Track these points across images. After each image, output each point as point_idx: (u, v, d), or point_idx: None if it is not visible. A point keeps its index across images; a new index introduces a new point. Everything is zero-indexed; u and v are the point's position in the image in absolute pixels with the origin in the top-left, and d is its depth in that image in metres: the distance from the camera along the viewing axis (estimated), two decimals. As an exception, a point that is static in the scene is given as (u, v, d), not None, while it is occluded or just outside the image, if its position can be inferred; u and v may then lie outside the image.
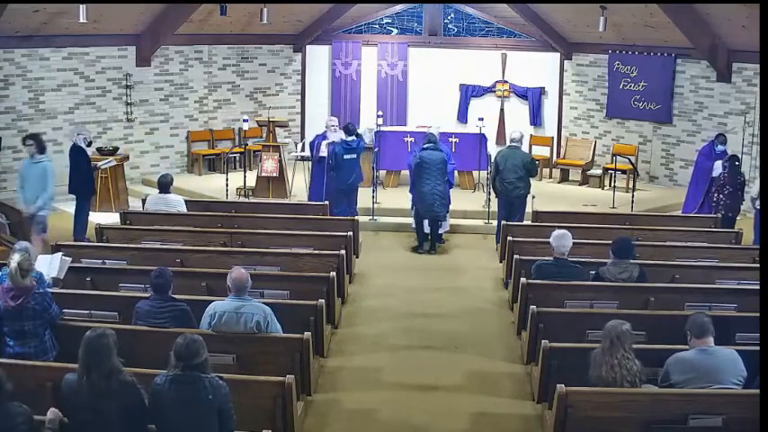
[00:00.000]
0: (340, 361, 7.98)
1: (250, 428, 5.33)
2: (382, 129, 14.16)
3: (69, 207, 11.78)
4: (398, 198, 13.23)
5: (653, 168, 15.41)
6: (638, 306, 7.51)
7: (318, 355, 7.50)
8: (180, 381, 4.88)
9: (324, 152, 12.20)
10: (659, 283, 7.95)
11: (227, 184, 13.07)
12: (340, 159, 11.83)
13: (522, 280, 7.95)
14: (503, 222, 10.59)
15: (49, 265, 7.26)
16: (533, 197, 11.51)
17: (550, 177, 15.77)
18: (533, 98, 16.30)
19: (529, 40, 16.38)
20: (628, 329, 5.66)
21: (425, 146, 11.45)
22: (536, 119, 16.35)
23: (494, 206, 12.05)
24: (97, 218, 11.46)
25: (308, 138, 14.28)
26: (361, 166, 12.39)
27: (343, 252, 8.98)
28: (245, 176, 13.68)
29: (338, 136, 12.13)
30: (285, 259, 8.77)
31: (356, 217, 11.12)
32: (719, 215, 11.18)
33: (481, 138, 13.83)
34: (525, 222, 11.17)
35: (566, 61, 16.21)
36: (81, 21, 12.70)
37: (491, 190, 11.89)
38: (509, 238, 9.72)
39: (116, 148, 14.01)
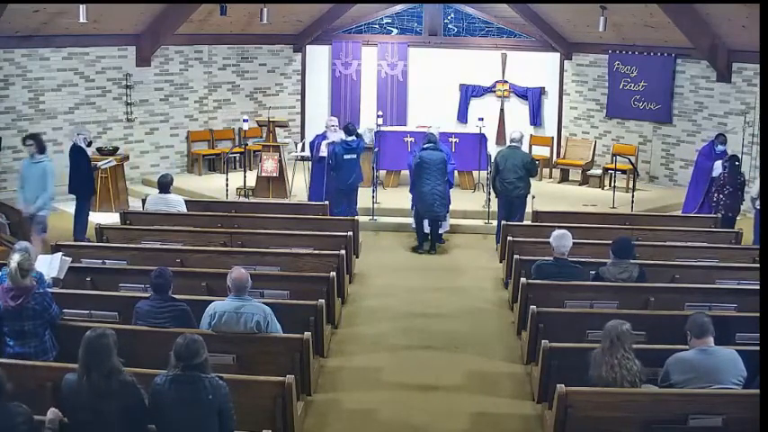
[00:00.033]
0: (340, 361, 7.98)
1: (250, 428, 5.33)
2: (382, 129, 14.16)
3: (69, 207, 11.78)
4: (398, 198, 13.23)
5: (653, 168, 15.41)
6: (638, 306, 7.51)
7: (318, 355, 7.50)
8: (180, 381, 4.88)
9: (324, 152, 12.20)
10: (659, 283, 7.95)
11: (227, 184, 13.07)
12: (340, 159, 11.83)
13: (522, 280, 7.95)
14: (503, 222, 10.59)
15: (49, 265, 7.26)
16: (533, 197, 11.51)
17: (550, 177, 15.77)
18: (533, 98, 16.30)
19: (529, 40, 16.38)
20: (628, 329, 5.66)
21: (425, 146, 11.45)
22: (536, 119, 16.35)
23: (494, 206, 12.05)
24: (97, 218, 11.46)
25: (308, 138, 14.29)
26: (361, 166, 12.40)
27: (343, 252, 8.98)
28: (245, 176, 13.68)
29: (338, 136, 12.13)
30: (285, 259, 8.77)
31: (356, 217, 11.12)
32: (719, 215, 11.18)
33: (481, 138, 13.83)
34: (525, 222, 11.17)
35: (566, 61, 16.21)
36: (81, 21, 12.70)
37: (491, 190, 11.89)
38: (509, 238, 9.72)
39: (116, 148, 14.01)
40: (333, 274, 8.19)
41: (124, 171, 13.84)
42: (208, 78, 15.90)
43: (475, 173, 14.49)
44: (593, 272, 7.91)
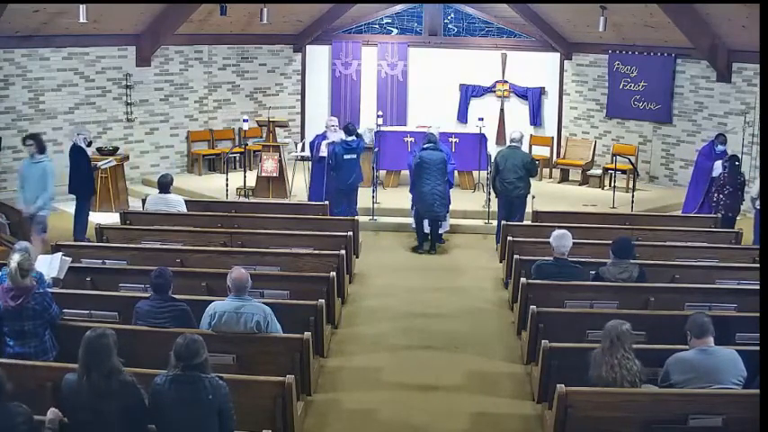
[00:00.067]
0: (340, 361, 7.98)
1: (250, 428, 5.33)
2: (382, 129, 14.16)
3: (69, 207, 11.78)
4: (398, 198, 13.23)
5: (653, 168, 15.41)
6: (638, 306, 7.51)
7: (318, 355, 7.50)
8: (180, 381, 4.88)
9: (324, 152, 12.19)
10: (659, 283, 7.95)
11: (227, 184, 13.07)
12: (340, 159, 11.83)
13: (522, 280, 7.95)
14: (503, 222, 10.59)
15: (49, 265, 7.25)
16: (533, 197, 11.51)
17: (550, 177, 15.77)
18: (533, 98, 16.30)
19: (529, 40, 16.38)
20: (628, 329, 5.66)
21: (425, 146, 11.45)
22: (536, 119, 16.35)
23: (494, 206, 12.05)
24: (97, 218, 11.46)
25: (308, 138, 14.28)
26: (361, 166, 12.40)
27: (343, 252, 8.98)
28: (245, 176, 13.68)
29: (338, 136, 12.13)
30: (285, 259, 8.77)
31: (356, 217, 11.12)
32: (719, 215, 11.18)
33: (481, 138, 13.83)
34: (525, 222, 11.17)
35: (566, 61, 16.21)
36: (81, 21, 12.70)
37: (491, 190, 11.89)
38: (509, 238, 9.72)
39: (116, 148, 14.01)
40: (333, 274, 8.19)
41: (124, 171, 13.84)
42: (208, 78, 15.90)
43: (475, 173, 14.49)
44: (593, 272, 7.91)
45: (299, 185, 13.83)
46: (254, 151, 15.42)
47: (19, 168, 11.17)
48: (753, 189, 11.48)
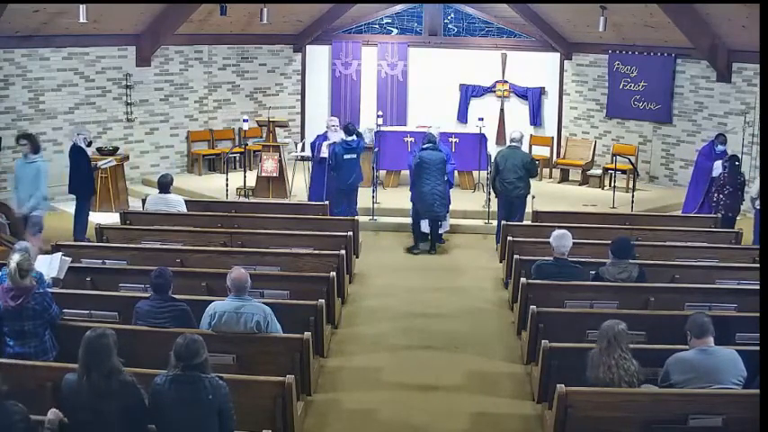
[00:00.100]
0: (340, 361, 7.98)
1: (250, 428, 5.33)
2: (382, 129, 14.16)
3: (69, 207, 11.77)
4: (398, 198, 13.23)
5: (653, 168, 15.41)
6: (637, 306, 7.51)
7: (318, 355, 7.50)
8: (180, 381, 4.88)
9: (325, 153, 12.19)
10: (659, 283, 7.95)
11: (227, 184, 13.07)
12: (340, 159, 11.83)
13: (522, 280, 7.95)
14: (503, 222, 10.59)
15: (49, 265, 7.26)
16: (533, 197, 11.51)
17: (550, 177, 15.77)
18: (533, 98, 16.30)
19: (529, 40, 16.38)
20: (624, 329, 5.66)
21: (425, 146, 11.45)
22: (536, 119, 16.35)
23: (494, 206, 12.05)
24: (97, 218, 11.45)
25: (309, 138, 14.29)
26: (361, 166, 12.40)
27: (343, 252, 8.98)
28: (245, 176, 13.68)
29: (338, 136, 12.13)
30: (285, 259, 8.77)
31: (356, 217, 11.12)
32: (719, 215, 11.18)
33: (481, 138, 13.83)
34: (525, 222, 11.17)
35: (566, 61, 16.21)
36: (81, 21, 12.70)
37: (491, 190, 11.89)
38: (509, 238, 9.72)
39: (116, 148, 14.01)
40: (333, 274, 8.19)
41: (124, 171, 13.83)
42: (208, 78, 15.90)
43: (475, 173, 14.49)
44: (593, 272, 7.91)
45: (299, 185, 13.83)
46: (254, 151, 15.42)
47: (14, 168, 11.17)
48: (753, 189, 11.47)
